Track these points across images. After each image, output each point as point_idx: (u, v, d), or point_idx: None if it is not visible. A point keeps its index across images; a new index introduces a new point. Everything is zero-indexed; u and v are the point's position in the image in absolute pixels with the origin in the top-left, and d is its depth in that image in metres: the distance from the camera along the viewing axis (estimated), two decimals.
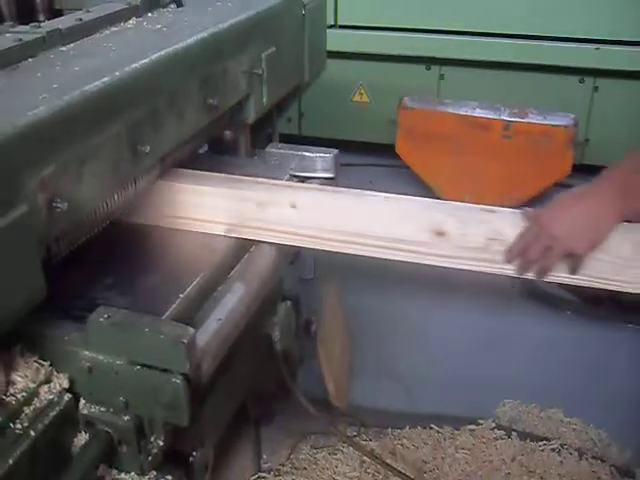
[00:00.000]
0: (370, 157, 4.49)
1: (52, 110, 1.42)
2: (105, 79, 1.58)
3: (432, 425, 2.91)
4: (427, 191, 3.90)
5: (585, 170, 4.13)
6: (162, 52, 1.80)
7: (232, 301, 1.84)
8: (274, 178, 2.12)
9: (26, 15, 2.01)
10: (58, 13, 2.12)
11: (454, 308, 3.39)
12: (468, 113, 3.99)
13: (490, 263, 1.85)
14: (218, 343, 1.72)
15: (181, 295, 1.74)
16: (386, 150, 4.35)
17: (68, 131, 1.46)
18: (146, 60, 1.73)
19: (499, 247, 1.83)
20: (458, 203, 1.98)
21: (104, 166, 1.59)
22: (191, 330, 1.50)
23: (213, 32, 2.02)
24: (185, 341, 1.46)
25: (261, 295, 1.99)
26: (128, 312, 1.55)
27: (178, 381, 1.50)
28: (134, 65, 1.69)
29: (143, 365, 1.52)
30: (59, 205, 1.43)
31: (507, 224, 1.84)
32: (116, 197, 1.75)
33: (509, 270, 1.85)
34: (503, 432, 2.88)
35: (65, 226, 1.51)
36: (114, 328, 1.51)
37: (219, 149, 2.41)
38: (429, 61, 4.35)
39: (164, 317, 1.64)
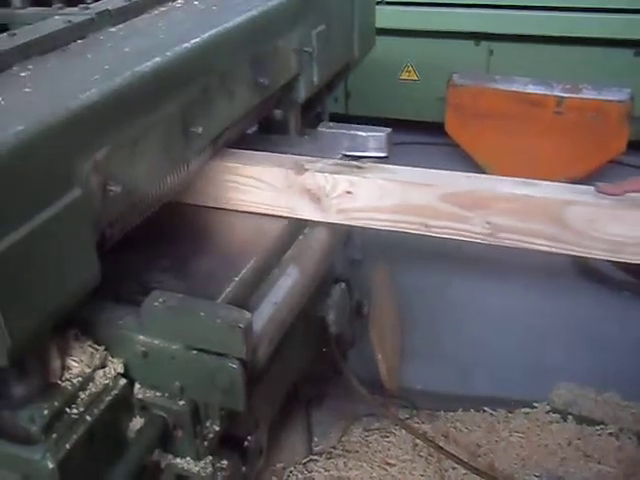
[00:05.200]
0: (419, 136, 4.43)
1: (104, 92, 1.40)
2: (156, 59, 1.56)
3: (485, 408, 2.85)
4: (478, 169, 3.84)
5: None
6: (212, 31, 1.76)
7: (287, 284, 1.82)
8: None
9: None
10: None
11: (509, 289, 3.33)
12: (519, 89, 3.91)
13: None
14: (274, 327, 1.70)
15: (236, 278, 1.72)
16: (435, 128, 4.29)
17: (120, 113, 1.44)
18: (197, 39, 1.70)
19: None
20: None
21: (157, 148, 1.57)
22: (248, 314, 1.48)
23: (263, 10, 1.98)
24: (242, 325, 1.44)
25: (315, 277, 1.96)
26: (183, 296, 1.53)
27: (235, 366, 1.48)
28: (185, 45, 1.66)
29: (199, 350, 1.50)
30: (113, 188, 1.41)
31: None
32: (169, 179, 1.73)
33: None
34: (558, 416, 2.81)
35: (119, 209, 1.49)
36: (170, 312, 1.49)
37: (269, 129, 2.38)
38: (478, 37, 4.27)
39: (219, 301, 1.62)
